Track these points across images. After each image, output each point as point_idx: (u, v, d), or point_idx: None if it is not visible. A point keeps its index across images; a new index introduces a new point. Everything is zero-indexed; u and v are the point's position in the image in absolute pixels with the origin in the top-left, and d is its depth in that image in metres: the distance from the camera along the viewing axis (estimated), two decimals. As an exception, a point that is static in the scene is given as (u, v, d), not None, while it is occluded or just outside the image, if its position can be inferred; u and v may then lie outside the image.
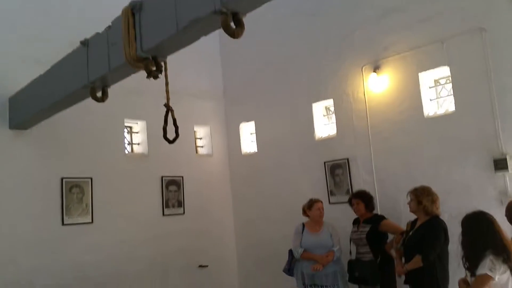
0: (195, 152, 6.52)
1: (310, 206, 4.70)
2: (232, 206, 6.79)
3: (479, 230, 2.74)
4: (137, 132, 5.95)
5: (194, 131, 6.60)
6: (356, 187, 5.05)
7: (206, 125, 6.72)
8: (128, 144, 5.91)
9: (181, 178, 6.09)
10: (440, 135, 4.45)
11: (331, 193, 5.44)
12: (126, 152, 5.74)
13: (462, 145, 4.28)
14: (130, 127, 5.97)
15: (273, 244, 5.96)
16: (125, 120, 5.74)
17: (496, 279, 2.59)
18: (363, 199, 4.49)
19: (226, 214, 6.70)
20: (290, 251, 4.69)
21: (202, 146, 6.76)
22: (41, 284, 4.64)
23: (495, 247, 2.64)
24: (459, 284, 2.83)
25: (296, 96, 5.91)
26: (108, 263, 5.16)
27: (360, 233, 4.41)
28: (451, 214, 3.97)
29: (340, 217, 5.07)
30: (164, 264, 5.70)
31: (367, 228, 4.37)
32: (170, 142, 2.95)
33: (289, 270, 4.68)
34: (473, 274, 2.68)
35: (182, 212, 6.05)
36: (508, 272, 2.64)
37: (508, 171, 3.91)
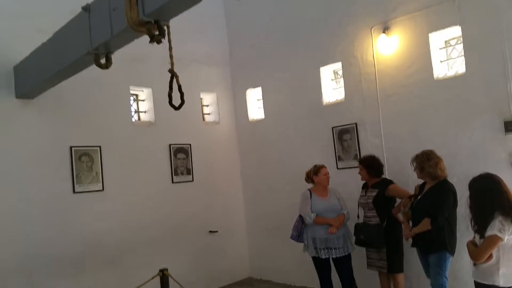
0: (202, 119, 6.56)
1: (316, 172, 4.72)
2: (240, 173, 6.90)
3: (486, 192, 2.75)
4: (143, 100, 5.98)
5: (201, 98, 6.62)
6: (364, 152, 5.06)
7: (213, 92, 6.72)
8: (135, 112, 5.94)
9: (189, 146, 6.17)
10: (450, 98, 4.41)
11: (339, 158, 5.48)
12: (133, 120, 5.80)
13: (472, 108, 4.24)
14: (136, 95, 6.00)
15: (281, 210, 6.08)
16: (131, 88, 5.76)
17: (505, 239, 2.62)
18: (365, 165, 4.53)
19: (234, 181, 6.82)
20: (300, 217, 4.73)
21: (209, 114, 6.79)
22: (54, 252, 4.76)
23: (503, 208, 2.66)
24: (467, 246, 2.86)
25: (304, 60, 5.85)
26: (120, 229, 5.32)
27: (368, 198, 4.46)
28: (459, 177, 4.00)
29: (348, 182, 5.13)
30: (175, 230, 5.87)
31: (374, 193, 4.42)
32: (176, 108, 2.95)
33: (298, 236, 4.70)
34: (482, 236, 2.71)
35: (191, 179, 6.16)
36: None
37: (518, 132, 3.89)
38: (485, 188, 2.76)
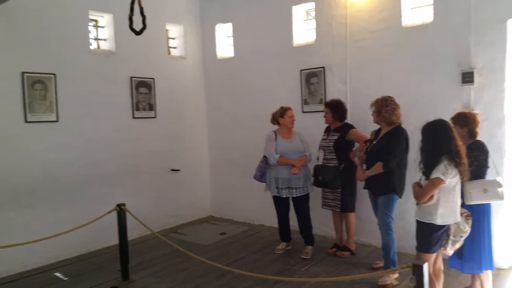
0: (167, 53, 6.54)
1: (282, 114, 4.93)
2: (206, 111, 7.05)
3: (437, 137, 3.02)
4: (103, 27, 5.85)
5: (166, 30, 6.56)
6: (329, 96, 5.30)
7: (180, 24, 6.65)
8: (94, 39, 5.82)
9: (152, 80, 6.19)
10: (415, 46, 4.66)
11: (305, 102, 5.70)
12: (92, 48, 5.68)
13: (435, 57, 4.51)
14: (96, 21, 5.84)
15: (245, 150, 6.35)
16: (90, 13, 5.60)
17: (447, 182, 2.95)
18: (331, 108, 4.77)
19: (199, 119, 6.98)
20: (264, 158, 5.00)
21: (175, 47, 6.76)
22: (9, 181, 4.78)
23: (450, 153, 2.96)
24: (413, 187, 3.19)
25: (277, -3, 5.85)
26: (77, 163, 5.39)
27: (329, 141, 4.76)
28: (415, 125, 4.28)
29: (312, 126, 5.42)
30: (135, 167, 6.04)
31: (336, 136, 4.71)
32: (137, 33, 2.98)
33: (261, 176, 5.02)
34: (427, 177, 3.03)
35: (154, 115, 6.25)
36: (458, 176, 3.00)
37: (473, 84, 4.22)
38: (436, 133, 3.03)
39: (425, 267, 2.21)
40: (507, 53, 4.08)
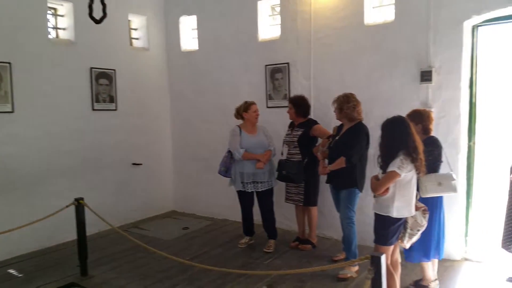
0: (129, 44, 6.40)
1: (246, 109, 4.94)
2: (170, 104, 6.94)
3: (396, 133, 3.13)
4: (62, 16, 5.65)
5: (129, 20, 6.41)
6: (293, 92, 5.37)
7: (143, 15, 6.53)
8: (53, 28, 5.62)
9: (113, 72, 6.05)
10: (377, 44, 4.78)
11: (269, 97, 5.74)
12: (50, 37, 5.48)
13: (395, 55, 4.65)
14: (55, 9, 5.63)
15: (209, 144, 6.34)
16: (49, 0, 5.39)
17: (402, 176, 3.07)
18: (294, 104, 4.84)
19: (162, 112, 6.88)
20: (228, 153, 5.00)
21: (137, 38, 6.63)
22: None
23: (407, 148, 3.07)
24: (371, 180, 3.30)
25: (242, -9, 5.85)
26: (33, 156, 5.21)
27: (293, 136, 4.82)
28: (376, 122, 4.41)
29: (276, 121, 5.47)
30: (95, 160, 5.90)
31: (299, 132, 4.78)
32: (97, 21, 2.91)
33: (226, 171, 5.01)
34: (384, 171, 3.14)
35: (114, 107, 6.11)
36: (414, 170, 3.12)
37: (431, 82, 4.38)
38: (394, 129, 3.14)
39: (383, 258, 2.29)
40: (463, 53, 4.26)
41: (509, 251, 3.75)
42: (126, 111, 6.25)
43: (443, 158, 3.66)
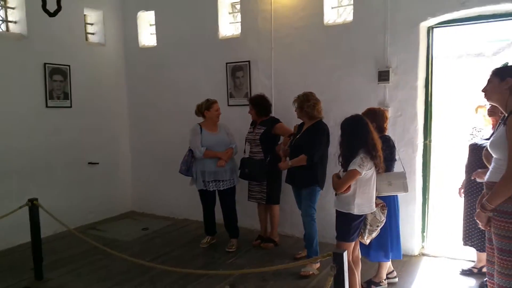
0: (84, 39, 6.16)
1: (208, 107, 4.89)
2: (127, 101, 6.77)
3: (355, 131, 3.19)
4: (13, 8, 5.35)
5: (84, 15, 6.18)
6: (254, 91, 5.37)
7: (99, 10, 6.32)
8: (2, 21, 5.32)
9: (68, 68, 5.81)
10: (337, 44, 4.86)
11: (230, 95, 5.71)
12: (0, 30, 5.19)
13: (355, 55, 4.75)
14: (4, 0, 5.34)
15: (169, 143, 6.23)
16: (-3, -8, 5.12)
17: (363, 174, 3.14)
18: (254, 104, 4.85)
19: (120, 110, 6.70)
20: (189, 151, 4.92)
21: (93, 33, 6.41)
22: None
23: (367, 146, 3.14)
24: (332, 178, 3.35)
25: (201, -13, 5.79)
26: (-19, 155, 4.93)
27: (255, 134, 4.83)
28: (336, 120, 4.50)
29: (238, 119, 5.45)
30: (49, 160, 5.66)
31: (261, 130, 4.79)
32: (51, 14, 2.79)
33: (187, 170, 4.93)
34: (345, 170, 3.19)
35: (69, 105, 5.88)
36: (373, 168, 3.20)
37: (389, 82, 4.51)
38: (354, 128, 3.21)
39: (345, 255, 2.34)
40: (420, 53, 4.41)
41: (469, 246, 3.94)
42: (81, 109, 6.03)
43: (396, 157, 3.76)
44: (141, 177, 6.80)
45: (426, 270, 4.28)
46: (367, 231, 3.30)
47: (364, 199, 3.20)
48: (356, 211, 3.18)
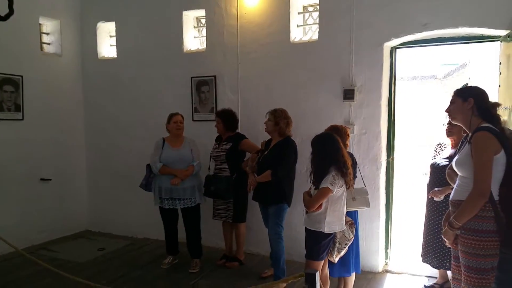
0: (39, 48, 5.86)
1: (169, 120, 4.76)
2: (84, 115, 6.48)
3: (326, 148, 3.17)
4: (-40, 14, 5.01)
5: (40, 24, 5.88)
6: (220, 106, 5.28)
7: (56, 19, 6.06)
8: None
9: (20, 78, 5.49)
10: (303, 62, 4.89)
11: (195, 110, 5.59)
12: None
13: (321, 73, 4.79)
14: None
15: (130, 159, 5.99)
16: None
17: (335, 191, 3.11)
18: (222, 118, 4.75)
19: (76, 123, 6.40)
20: (148, 166, 4.76)
21: (49, 43, 6.10)
22: None
23: (338, 163, 3.13)
24: (303, 196, 3.30)
25: (166, 0, 5.66)
26: None
27: (221, 151, 4.71)
28: (302, 137, 4.52)
29: (203, 134, 5.33)
30: (-4, 176, 5.26)
31: (228, 146, 4.69)
32: (2, 18, 2.63)
33: (146, 185, 4.77)
34: (316, 187, 3.15)
35: (21, 117, 5.54)
36: (344, 186, 3.19)
37: (354, 101, 4.57)
38: (324, 145, 3.19)
39: (317, 275, 2.28)
40: (383, 73, 4.51)
41: (426, 263, 4.00)
42: (34, 122, 5.69)
43: (357, 174, 3.80)
44: (98, 194, 6.48)
45: (390, 287, 4.29)
46: (336, 249, 3.27)
47: (334, 217, 3.17)
48: (326, 229, 3.15)
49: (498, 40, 3.98)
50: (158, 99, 5.81)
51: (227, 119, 4.74)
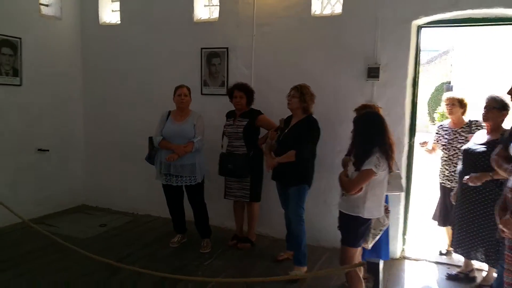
0: (38, 10, 5.42)
1: (174, 92, 4.47)
2: (83, 83, 6.08)
3: (371, 129, 2.95)
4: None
5: (38, -17, 5.42)
6: (232, 80, 4.97)
7: (54, -21, 5.57)
8: None
9: (18, 40, 5.09)
10: (323, 37, 4.62)
11: (204, 83, 5.29)
12: None
13: (342, 49, 4.53)
14: None
15: (130, 131, 5.69)
16: None
17: (378, 174, 2.90)
18: (246, 92, 4.46)
19: (74, 92, 6.03)
20: (150, 139, 4.51)
21: (47, 5, 5.65)
22: None
23: (384, 145, 2.91)
24: (340, 178, 3.05)
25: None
26: None
27: (237, 127, 4.44)
28: (319, 116, 4.23)
29: (211, 109, 5.05)
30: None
31: (244, 122, 4.42)
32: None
33: (149, 158, 4.54)
34: (357, 169, 2.91)
35: (19, 82, 5.15)
36: (387, 170, 2.98)
37: (378, 79, 4.34)
38: (371, 126, 2.96)
39: (381, 265, 2.11)
40: (410, 51, 4.29)
41: (459, 253, 3.85)
42: (32, 88, 5.32)
43: None
44: (96, 167, 6.16)
45: (410, 273, 4.16)
46: (371, 235, 3.10)
47: (374, 202, 2.97)
48: (366, 214, 2.95)
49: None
50: (164, 70, 5.46)
51: (251, 94, 4.47)
